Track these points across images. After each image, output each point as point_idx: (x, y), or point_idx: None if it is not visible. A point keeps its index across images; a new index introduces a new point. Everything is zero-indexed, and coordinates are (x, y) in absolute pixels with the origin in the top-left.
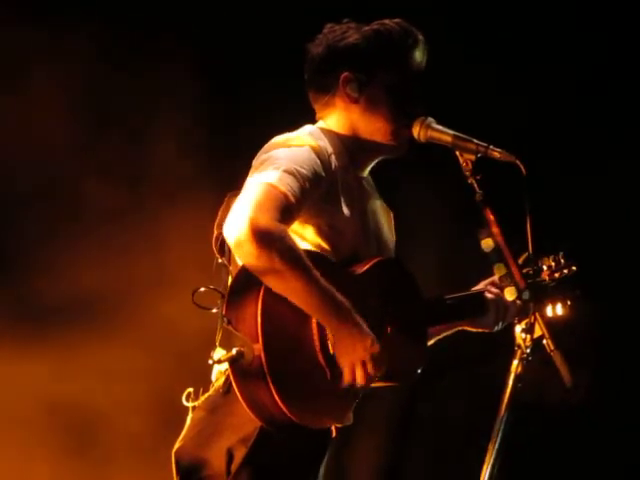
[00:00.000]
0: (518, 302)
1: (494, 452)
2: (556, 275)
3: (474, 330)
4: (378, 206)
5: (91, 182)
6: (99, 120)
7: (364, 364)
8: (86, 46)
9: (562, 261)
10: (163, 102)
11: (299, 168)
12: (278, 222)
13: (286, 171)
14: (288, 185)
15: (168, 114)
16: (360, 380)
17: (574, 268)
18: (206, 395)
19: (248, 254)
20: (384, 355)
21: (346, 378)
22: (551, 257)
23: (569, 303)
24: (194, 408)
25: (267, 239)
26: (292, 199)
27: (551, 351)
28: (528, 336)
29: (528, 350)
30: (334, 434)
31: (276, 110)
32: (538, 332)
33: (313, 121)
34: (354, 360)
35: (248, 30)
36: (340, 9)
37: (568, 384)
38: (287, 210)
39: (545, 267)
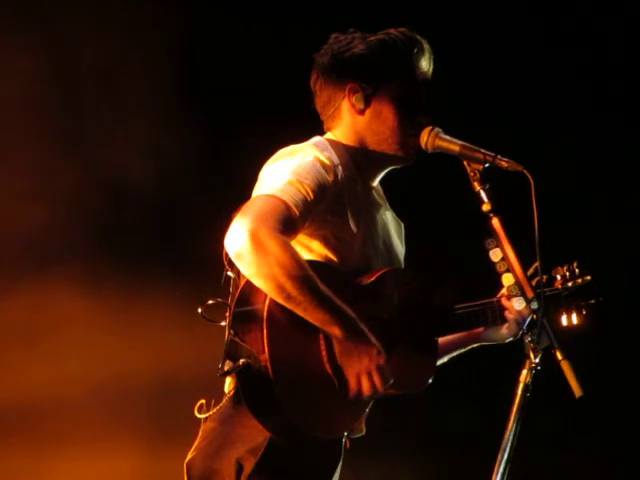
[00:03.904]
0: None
1: (503, 463)
2: (569, 284)
3: (491, 343)
4: (388, 217)
5: None
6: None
7: (370, 375)
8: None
9: (576, 270)
10: None
11: (302, 179)
12: (279, 233)
13: (289, 182)
14: (290, 196)
15: None
16: (366, 391)
17: (588, 278)
18: (218, 407)
19: (249, 266)
20: (390, 366)
21: (352, 388)
22: (565, 266)
23: (584, 312)
24: (206, 419)
25: (267, 250)
26: (295, 210)
27: (560, 361)
28: (537, 345)
29: (537, 360)
30: (347, 445)
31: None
32: (547, 342)
33: (321, 133)
34: (360, 370)
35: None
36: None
37: (578, 394)
38: (289, 221)
39: (559, 276)
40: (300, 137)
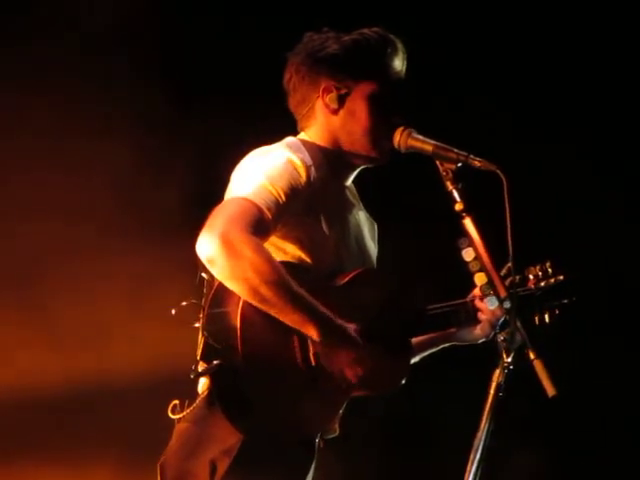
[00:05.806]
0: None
1: (476, 463)
2: (542, 284)
3: (463, 344)
4: (361, 217)
5: None
6: None
7: (352, 365)
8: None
9: (549, 270)
10: None
11: (275, 182)
12: (251, 235)
13: (261, 185)
14: (262, 199)
15: None
16: (353, 380)
17: (561, 277)
18: (192, 407)
19: (222, 269)
20: (366, 356)
21: (340, 382)
22: (538, 266)
23: (557, 312)
24: (179, 420)
25: (240, 253)
26: (267, 213)
27: (532, 360)
28: (510, 345)
29: (509, 359)
30: (321, 445)
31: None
32: (520, 341)
33: (295, 134)
34: (342, 364)
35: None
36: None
37: (550, 394)
38: (261, 224)
39: (531, 276)
40: (274, 137)
